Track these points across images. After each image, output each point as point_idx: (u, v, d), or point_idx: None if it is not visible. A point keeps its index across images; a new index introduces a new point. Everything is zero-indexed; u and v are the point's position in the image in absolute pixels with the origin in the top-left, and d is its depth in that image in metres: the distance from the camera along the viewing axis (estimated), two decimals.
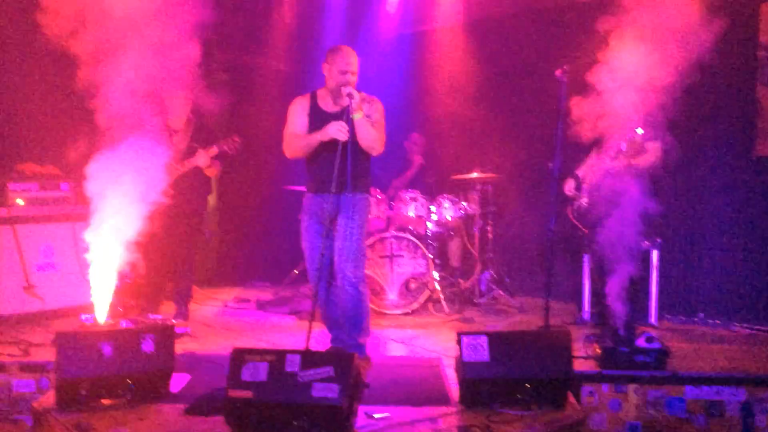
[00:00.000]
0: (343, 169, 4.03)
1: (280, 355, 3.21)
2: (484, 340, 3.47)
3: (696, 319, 5.45)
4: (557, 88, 4.33)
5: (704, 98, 5.45)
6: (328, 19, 7.26)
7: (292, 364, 3.15)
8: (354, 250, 4.20)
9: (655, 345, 4.04)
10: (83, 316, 4.70)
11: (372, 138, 4.15)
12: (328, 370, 3.12)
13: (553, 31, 5.75)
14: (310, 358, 3.19)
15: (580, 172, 4.76)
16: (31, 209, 5.19)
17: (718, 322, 5.36)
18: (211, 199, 7.25)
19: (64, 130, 5.58)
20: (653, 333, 4.50)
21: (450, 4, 7.13)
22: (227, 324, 5.42)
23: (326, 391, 3.06)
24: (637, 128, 4.12)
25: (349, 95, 4.04)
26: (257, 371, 3.14)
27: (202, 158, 4.99)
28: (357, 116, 4.07)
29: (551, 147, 4.35)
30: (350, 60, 4.18)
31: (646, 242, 5.30)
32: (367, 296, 4.28)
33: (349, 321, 4.24)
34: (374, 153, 4.22)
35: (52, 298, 5.19)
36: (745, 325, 5.25)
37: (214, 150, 5.01)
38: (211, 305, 6.13)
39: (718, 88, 5.40)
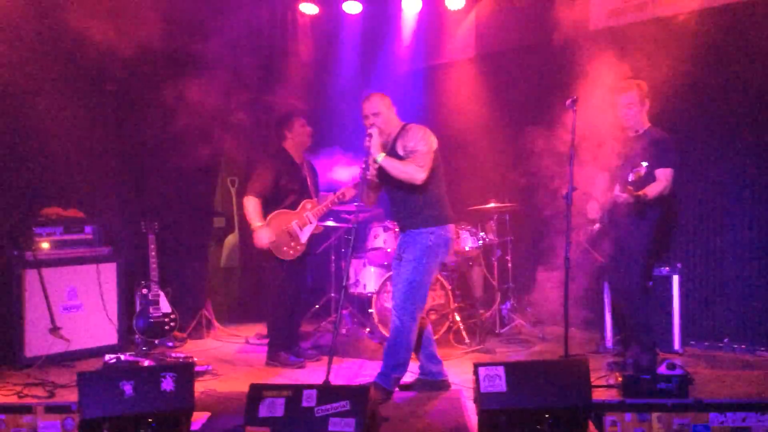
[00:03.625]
0: (394, 209, 4.36)
1: (297, 390, 3.24)
2: (501, 371, 3.46)
3: (721, 345, 5.37)
4: (568, 116, 4.38)
5: (723, 120, 5.45)
6: (343, 56, 7.40)
7: (309, 399, 3.18)
8: (399, 282, 4.29)
9: (678, 372, 3.99)
10: (107, 357, 4.80)
11: (399, 172, 4.18)
12: (344, 404, 3.14)
13: (562, 61, 5.80)
14: (326, 393, 3.22)
15: (598, 195, 4.77)
16: (56, 252, 5.31)
17: (743, 347, 5.27)
18: (233, 237, 7.36)
19: (88, 175, 5.75)
20: (677, 360, 4.47)
21: (462, 38, 7.24)
22: (248, 360, 5.45)
23: (343, 426, 3.08)
24: (642, 161, 4.13)
25: (369, 135, 4.18)
26: (274, 407, 3.18)
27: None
28: (379, 158, 4.16)
29: (564, 175, 4.38)
30: (363, 108, 4.34)
31: (666, 268, 5.27)
32: (409, 330, 4.24)
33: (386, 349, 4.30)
34: (417, 183, 4.18)
35: (77, 340, 5.27)
36: None
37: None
38: (233, 342, 6.17)
39: (735, 108, 5.39)
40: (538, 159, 6.12)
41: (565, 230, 4.35)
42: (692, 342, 5.45)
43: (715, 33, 5.41)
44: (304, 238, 5.17)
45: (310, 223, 5.20)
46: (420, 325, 4.48)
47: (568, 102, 4.38)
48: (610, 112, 4.75)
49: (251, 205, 5.06)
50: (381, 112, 4.32)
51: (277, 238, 5.06)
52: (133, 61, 5.77)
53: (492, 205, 6.16)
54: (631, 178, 4.11)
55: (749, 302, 5.34)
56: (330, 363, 3.91)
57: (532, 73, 6.66)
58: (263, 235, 5.02)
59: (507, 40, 6.96)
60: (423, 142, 4.22)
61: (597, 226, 4.64)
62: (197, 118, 6.31)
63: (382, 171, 4.22)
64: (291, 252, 5.12)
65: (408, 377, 4.58)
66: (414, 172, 4.15)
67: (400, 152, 4.26)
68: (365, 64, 7.26)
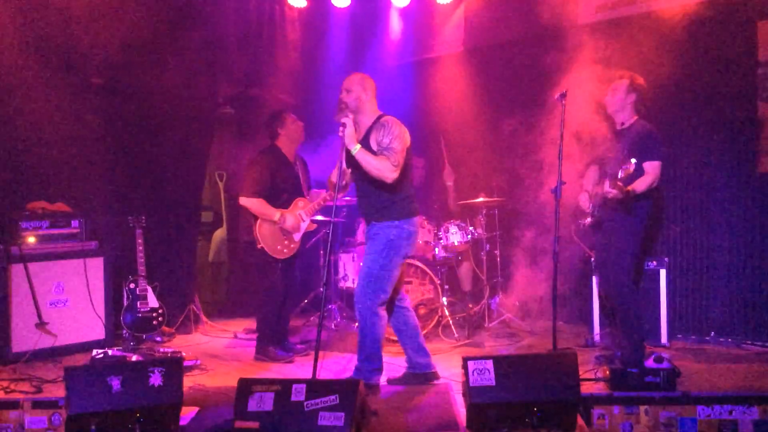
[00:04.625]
0: (360, 201, 4.35)
1: (286, 384, 3.24)
2: (490, 365, 3.47)
3: (708, 339, 5.41)
4: (557, 110, 4.39)
5: (706, 116, 5.49)
6: (332, 50, 7.37)
7: (298, 394, 3.18)
8: (362, 276, 4.28)
9: (665, 365, 4.02)
10: (95, 352, 4.77)
11: (372, 168, 4.14)
12: (333, 399, 3.14)
13: (552, 54, 5.80)
14: (315, 387, 3.21)
15: (589, 187, 4.79)
16: (43, 246, 5.26)
17: (730, 340, 5.32)
18: (221, 232, 7.34)
19: (74, 168, 5.71)
20: (664, 353, 4.50)
21: (450, 32, 7.23)
22: (237, 355, 5.43)
23: (332, 420, 3.08)
24: (631, 158, 4.15)
25: (342, 125, 4.10)
26: (263, 401, 3.17)
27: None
28: (354, 150, 4.10)
29: (553, 169, 4.40)
30: (342, 83, 4.31)
31: (654, 262, 5.31)
32: (374, 324, 4.26)
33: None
34: (387, 181, 4.15)
35: (64, 335, 5.23)
36: (757, 343, 5.21)
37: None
38: (221, 336, 6.15)
39: (720, 105, 5.43)
40: (527, 153, 6.15)
41: (554, 224, 4.37)
42: (679, 335, 5.50)
43: (702, 27, 5.43)
44: (297, 236, 5.16)
45: (303, 221, 5.18)
46: (405, 317, 4.49)
47: (557, 96, 4.40)
48: (599, 106, 4.77)
49: (258, 204, 5.02)
50: (353, 90, 4.27)
51: (272, 237, 5.05)
52: (119, 54, 5.73)
53: (481, 199, 6.17)
54: (620, 175, 4.13)
55: (735, 296, 5.39)
56: (316, 360, 3.91)
57: (521, 67, 6.66)
58: (290, 219, 5.06)
59: (496, 35, 6.95)
60: (399, 140, 4.18)
61: (588, 220, 4.66)
62: (185, 112, 6.28)
63: (353, 160, 4.16)
64: (285, 251, 5.11)
65: (396, 371, 4.60)
66: (387, 170, 4.12)
67: (374, 146, 4.20)
68: (354, 58, 7.23)
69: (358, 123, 4.30)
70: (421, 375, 4.48)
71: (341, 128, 4.10)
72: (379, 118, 4.30)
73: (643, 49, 5.51)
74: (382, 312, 4.30)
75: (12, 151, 5.42)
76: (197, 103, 6.42)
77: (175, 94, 6.18)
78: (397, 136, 4.19)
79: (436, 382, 4.46)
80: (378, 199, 4.29)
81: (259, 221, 5.05)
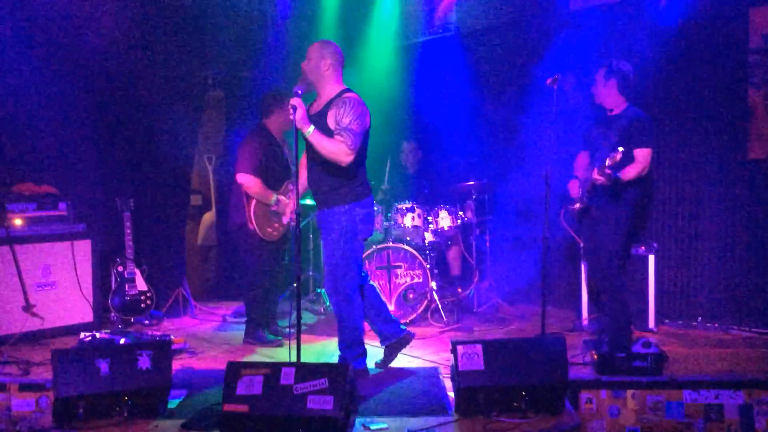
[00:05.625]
0: (311, 180, 4.20)
1: (275, 367, 3.24)
2: (479, 349, 3.49)
3: (695, 324, 5.45)
4: (549, 95, 4.38)
5: (697, 102, 5.50)
6: (323, 33, 7.32)
7: (287, 377, 3.18)
8: (326, 268, 4.22)
9: (652, 350, 4.05)
10: (83, 335, 4.75)
11: (326, 151, 3.93)
12: (322, 382, 3.14)
13: (544, 40, 5.79)
14: (305, 371, 3.21)
15: (579, 173, 4.79)
16: (30, 229, 5.21)
17: (716, 325, 5.36)
18: (210, 215, 7.29)
19: (62, 150, 5.65)
20: (651, 338, 4.54)
21: (442, 15, 7.19)
22: (225, 338, 5.42)
23: (321, 403, 3.09)
24: (619, 146, 4.16)
25: (292, 107, 3.82)
26: (252, 385, 3.17)
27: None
28: (308, 133, 3.88)
29: (544, 154, 4.40)
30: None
31: (642, 248, 5.33)
32: (350, 312, 4.22)
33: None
34: (342, 164, 3.97)
35: (51, 317, 5.20)
36: (743, 328, 5.26)
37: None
38: (210, 320, 6.14)
39: (710, 92, 5.43)
40: (518, 138, 6.15)
41: (544, 209, 4.38)
42: (666, 320, 5.54)
43: (693, 13, 5.42)
44: (285, 219, 5.12)
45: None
46: (368, 293, 4.42)
47: (549, 81, 4.38)
48: (589, 91, 4.77)
49: (255, 183, 4.94)
50: (312, 58, 4.07)
51: (263, 218, 5.02)
52: (108, 35, 5.66)
53: (471, 183, 6.17)
54: (608, 162, 4.14)
55: (723, 282, 5.42)
56: (298, 342, 3.84)
57: (513, 51, 6.64)
58: (284, 203, 5.00)
59: (488, 19, 6.92)
60: (358, 121, 3.95)
61: (577, 205, 4.66)
62: (173, 94, 6.22)
63: (306, 140, 3.95)
64: (275, 233, 5.08)
65: (399, 360, 4.57)
66: (342, 154, 3.92)
67: (331, 123, 3.99)
68: (347, 42, 7.18)
69: (318, 93, 4.15)
70: (398, 342, 4.45)
71: (290, 111, 3.83)
72: (341, 93, 4.07)
73: (635, 35, 5.50)
74: (356, 297, 4.23)
75: None
76: (186, 86, 6.35)
77: (164, 76, 6.11)
78: (358, 116, 3.96)
79: (414, 342, 4.52)
80: (328, 180, 4.11)
81: (253, 202, 5.00)
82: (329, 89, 4.12)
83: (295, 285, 3.77)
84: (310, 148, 4.05)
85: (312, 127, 3.87)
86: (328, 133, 3.97)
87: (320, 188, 4.19)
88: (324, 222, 4.22)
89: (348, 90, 4.12)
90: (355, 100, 4.02)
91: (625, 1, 5.81)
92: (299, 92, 3.88)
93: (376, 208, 5.96)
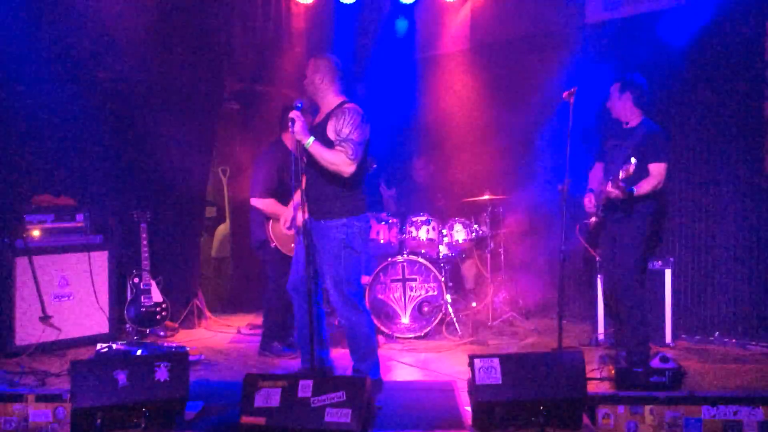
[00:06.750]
0: (308, 190, 4.11)
1: (293, 380, 3.23)
2: (496, 363, 3.47)
3: (712, 339, 5.40)
4: (564, 109, 4.38)
5: (714, 116, 5.48)
6: (337, 46, 7.36)
7: (305, 390, 3.18)
8: (328, 282, 4.16)
9: (670, 365, 4.02)
10: (99, 345, 4.76)
11: (327, 162, 3.93)
12: (340, 395, 3.13)
13: (559, 53, 5.79)
14: (322, 383, 3.21)
15: (594, 186, 4.79)
16: (47, 240, 5.25)
17: (734, 341, 5.31)
18: (224, 227, 7.33)
19: (80, 162, 5.71)
20: (669, 353, 4.49)
21: (456, 29, 7.22)
22: (241, 350, 5.43)
23: (339, 416, 3.08)
24: (632, 158, 4.15)
25: (291, 120, 3.84)
26: (270, 397, 3.17)
27: None
28: (308, 144, 3.88)
29: (560, 168, 4.39)
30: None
31: (659, 262, 5.30)
32: (360, 323, 4.19)
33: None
34: (344, 176, 3.97)
35: (68, 328, 5.23)
36: (761, 343, 5.20)
37: None
38: (225, 332, 6.15)
39: (727, 105, 5.41)
40: (533, 151, 6.15)
41: (561, 223, 4.36)
42: (683, 335, 5.49)
43: (710, 26, 5.41)
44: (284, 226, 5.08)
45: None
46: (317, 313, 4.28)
47: (565, 94, 4.37)
48: (605, 105, 4.77)
49: (267, 205, 4.95)
50: (307, 75, 4.12)
51: (285, 236, 4.99)
52: (125, 48, 5.72)
53: (486, 197, 6.16)
54: (621, 175, 4.13)
55: (740, 296, 5.38)
56: (312, 355, 3.81)
57: (528, 64, 6.64)
58: (289, 214, 4.81)
59: (502, 32, 6.94)
60: (358, 131, 3.96)
61: (593, 219, 4.65)
62: (190, 106, 6.27)
63: (306, 151, 3.93)
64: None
65: (414, 373, 4.57)
66: (343, 165, 3.92)
67: (331, 135, 3.99)
68: (360, 55, 7.22)
69: (319, 106, 4.18)
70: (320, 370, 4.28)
71: (290, 125, 3.84)
72: (341, 104, 4.08)
73: (651, 48, 5.50)
74: (363, 306, 4.22)
75: (17, 145, 5.41)
76: (203, 98, 6.40)
77: (181, 89, 6.17)
78: (358, 127, 3.96)
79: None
80: (326, 191, 4.09)
81: (271, 221, 5.02)
82: (328, 101, 4.16)
83: (307, 296, 3.77)
84: (310, 160, 4.04)
85: (312, 139, 3.89)
86: (329, 144, 3.98)
87: (315, 197, 4.13)
88: (318, 236, 4.13)
89: (348, 101, 4.14)
90: (354, 111, 4.04)
91: (641, 14, 5.81)
92: (299, 105, 3.92)
93: (391, 221, 5.99)
